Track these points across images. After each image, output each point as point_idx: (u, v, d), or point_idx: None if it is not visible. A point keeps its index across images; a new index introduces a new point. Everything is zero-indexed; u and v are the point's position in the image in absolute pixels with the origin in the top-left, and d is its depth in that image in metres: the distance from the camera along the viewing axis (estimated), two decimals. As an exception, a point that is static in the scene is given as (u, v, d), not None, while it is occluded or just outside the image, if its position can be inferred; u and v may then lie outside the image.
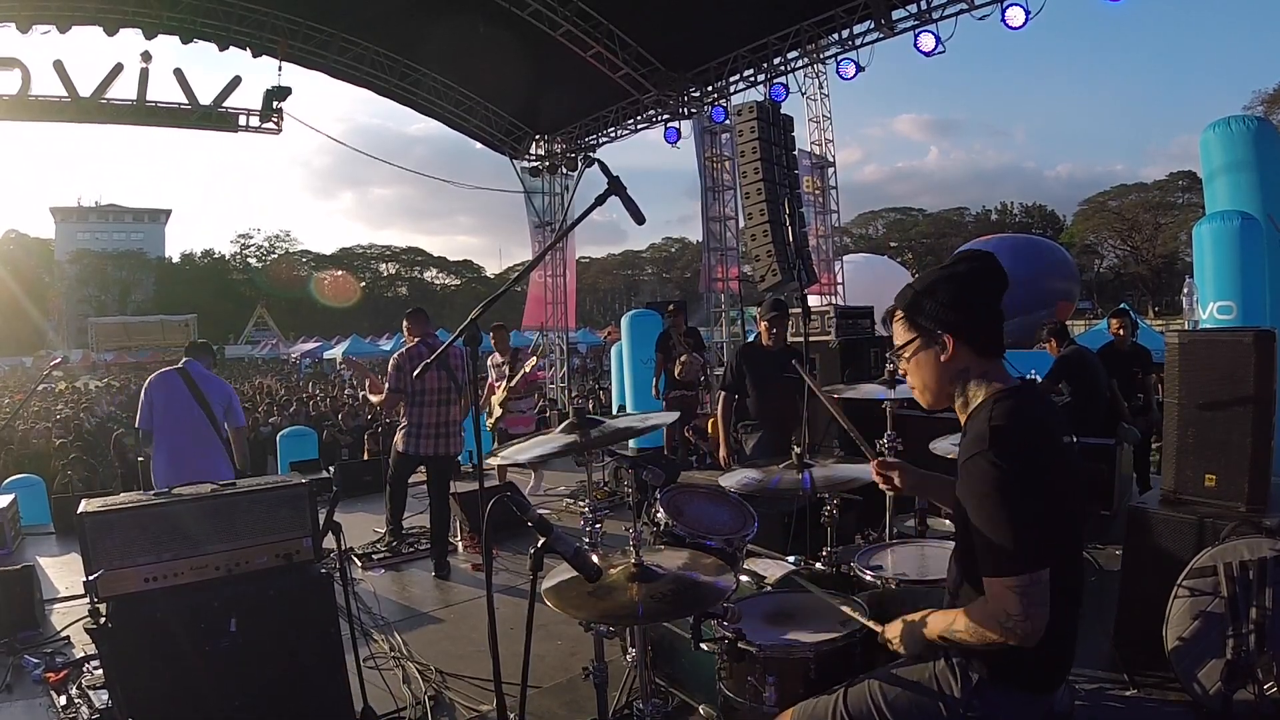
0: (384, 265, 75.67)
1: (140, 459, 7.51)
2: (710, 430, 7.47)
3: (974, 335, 1.62)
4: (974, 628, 1.52)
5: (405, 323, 5.26)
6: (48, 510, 6.71)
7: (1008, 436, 1.50)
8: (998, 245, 17.05)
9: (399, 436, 5.06)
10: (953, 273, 1.66)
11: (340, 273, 67.57)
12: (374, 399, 5.14)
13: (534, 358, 7.71)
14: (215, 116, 10.88)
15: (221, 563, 2.52)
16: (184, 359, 4.60)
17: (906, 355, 1.69)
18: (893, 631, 1.75)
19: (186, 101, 10.63)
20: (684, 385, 7.70)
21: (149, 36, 9.79)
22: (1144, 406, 6.07)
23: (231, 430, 4.54)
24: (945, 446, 3.24)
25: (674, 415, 2.82)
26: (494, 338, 7.24)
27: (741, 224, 10.43)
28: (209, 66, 11.72)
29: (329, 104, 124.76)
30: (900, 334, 1.70)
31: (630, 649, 2.62)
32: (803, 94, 10.71)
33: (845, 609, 2.10)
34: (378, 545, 5.37)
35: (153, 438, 4.36)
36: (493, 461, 2.35)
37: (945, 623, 1.59)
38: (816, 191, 12.04)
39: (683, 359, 7.47)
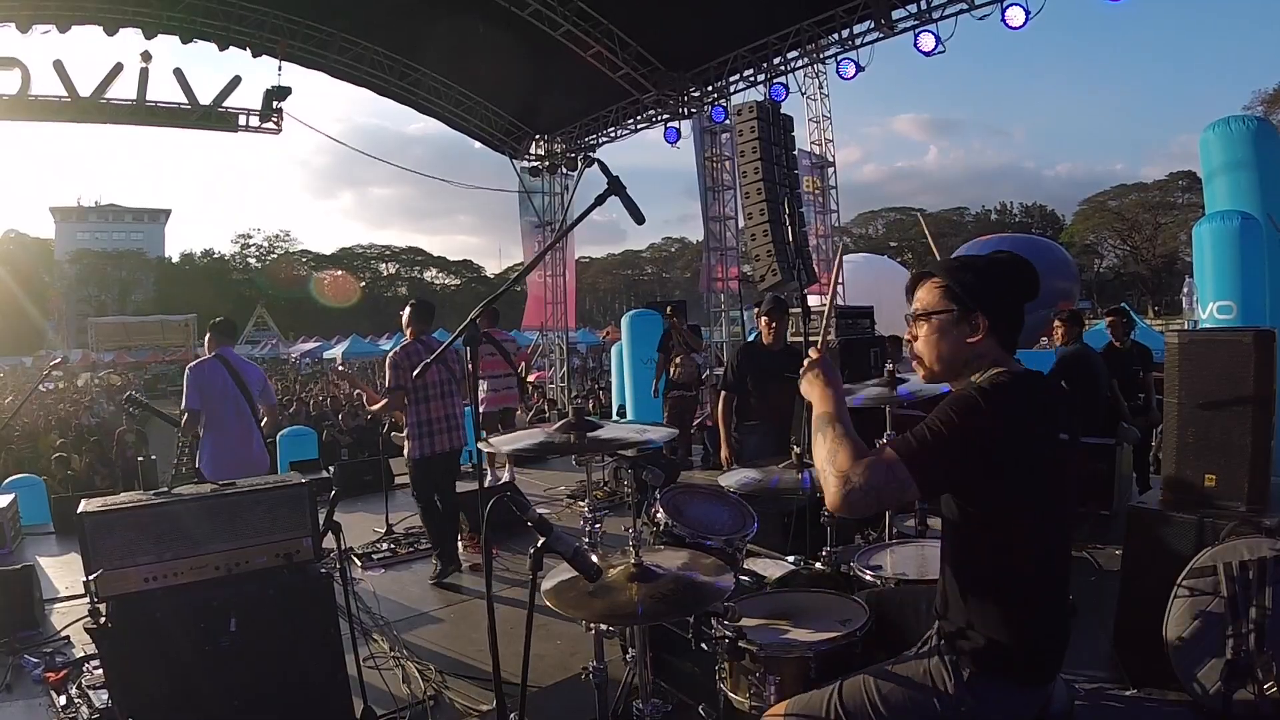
0: (384, 265, 75.55)
1: (141, 459, 7.53)
2: (712, 430, 7.50)
3: (1002, 324, 1.62)
4: (827, 458, 1.52)
5: (409, 313, 4.88)
6: (48, 510, 6.70)
7: (996, 390, 1.52)
8: (997, 245, 17.06)
9: (408, 442, 4.81)
10: (998, 259, 1.67)
11: (340, 272, 67.38)
12: (374, 409, 4.99)
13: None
14: (215, 116, 10.88)
15: (221, 562, 2.52)
16: (218, 346, 4.75)
17: (934, 323, 1.64)
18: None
19: (186, 101, 10.63)
20: (683, 386, 7.73)
21: (149, 36, 9.80)
22: (1144, 406, 6.06)
23: (265, 408, 4.88)
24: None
25: (672, 431, 2.80)
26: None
27: (741, 224, 10.43)
28: (209, 66, 11.73)
29: (328, 104, 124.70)
30: (932, 301, 1.65)
31: (630, 649, 2.62)
32: (803, 94, 10.74)
33: None
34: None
35: (200, 417, 4.53)
36: (484, 448, 2.31)
37: (826, 435, 1.58)
38: (816, 191, 12.06)
39: (676, 360, 7.50)
